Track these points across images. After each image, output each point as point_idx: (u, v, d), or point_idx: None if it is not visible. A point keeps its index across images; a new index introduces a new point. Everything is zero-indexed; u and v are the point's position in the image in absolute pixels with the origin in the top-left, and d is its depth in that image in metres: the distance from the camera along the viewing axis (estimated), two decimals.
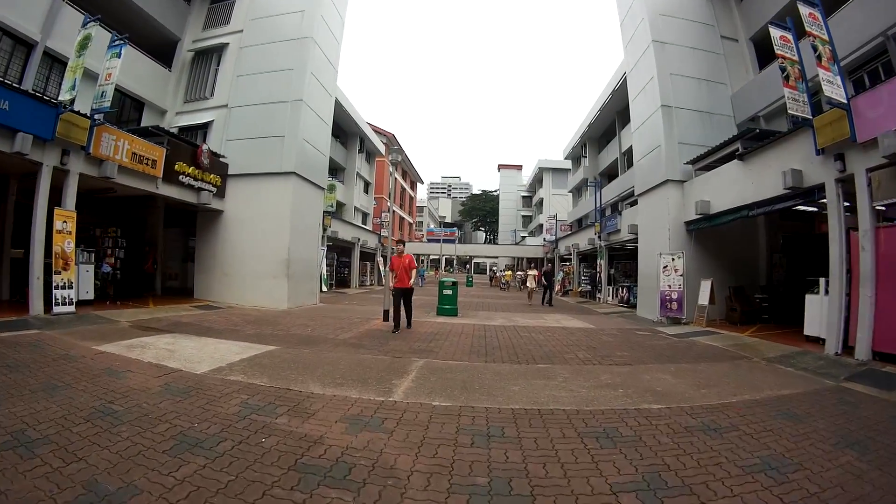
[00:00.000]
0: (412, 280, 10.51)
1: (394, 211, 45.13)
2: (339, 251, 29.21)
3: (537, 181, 57.01)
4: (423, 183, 60.75)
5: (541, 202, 54.19)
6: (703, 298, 13.03)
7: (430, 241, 54.70)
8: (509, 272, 38.12)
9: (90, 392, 4.82)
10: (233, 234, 15.78)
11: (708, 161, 13.90)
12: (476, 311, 16.20)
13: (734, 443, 4.06)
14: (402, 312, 10.40)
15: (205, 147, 14.72)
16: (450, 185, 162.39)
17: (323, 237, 23.95)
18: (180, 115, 17.65)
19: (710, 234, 14.03)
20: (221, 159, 15.92)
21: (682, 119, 15.03)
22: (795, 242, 14.85)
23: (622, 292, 20.62)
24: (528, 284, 22.07)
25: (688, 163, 14.60)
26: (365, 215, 36.49)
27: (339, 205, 31.07)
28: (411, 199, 56.87)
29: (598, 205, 24.51)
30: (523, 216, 66.45)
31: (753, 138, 12.27)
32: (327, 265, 26.17)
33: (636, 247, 21.32)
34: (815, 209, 11.91)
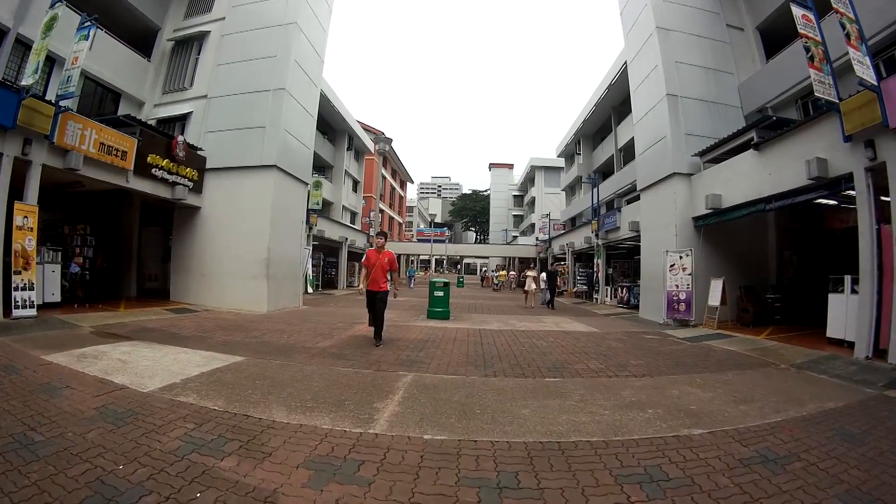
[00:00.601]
0: (395, 282, 8.94)
1: (383, 210, 44.23)
2: (326, 251, 28.35)
3: (529, 180, 56.19)
4: (412, 182, 59.79)
5: (533, 201, 53.30)
6: (714, 299, 12.19)
7: (420, 241, 53.54)
8: (503, 272, 36.88)
9: (16, 414, 3.95)
10: (210, 232, 14.79)
11: (718, 153, 13.08)
12: (469, 313, 15.27)
13: (802, 478, 3.27)
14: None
15: (180, 138, 13.72)
16: (440, 186, 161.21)
17: (308, 236, 22.98)
18: (159, 108, 16.75)
19: (718, 231, 13.24)
20: (199, 152, 14.95)
21: (688, 109, 14.21)
22: (806, 240, 14.11)
23: (622, 293, 19.77)
24: (527, 287, 19.37)
25: (696, 155, 13.78)
26: (353, 214, 35.57)
27: (327, 203, 30.29)
28: (401, 198, 55.88)
29: (595, 202, 23.65)
30: (514, 215, 65.54)
31: (769, 127, 11.48)
32: (313, 265, 25.29)
33: (636, 245, 20.50)
34: (835, 202, 11.05)
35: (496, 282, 35.18)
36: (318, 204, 23.54)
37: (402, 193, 57.32)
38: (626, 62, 18.59)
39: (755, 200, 11.12)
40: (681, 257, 12.76)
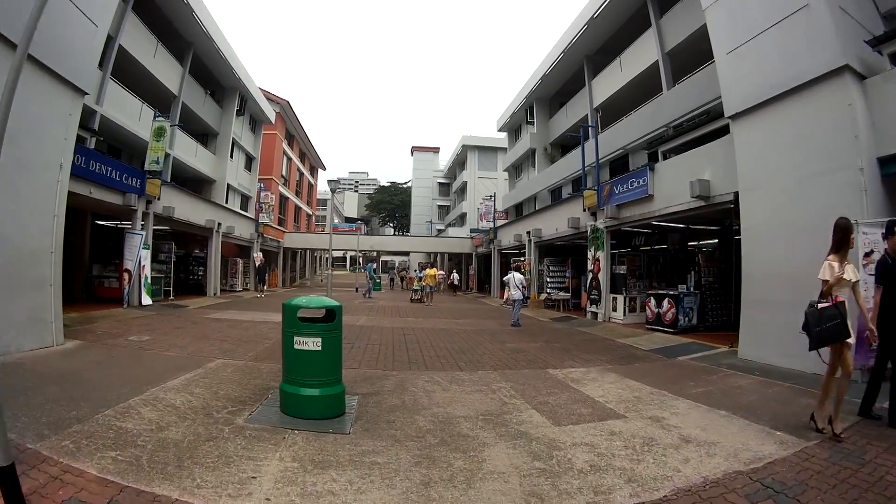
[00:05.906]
0: None
1: (287, 197, 35.37)
2: (188, 241, 20.59)
3: (459, 164, 48.82)
4: (325, 169, 50.31)
5: (464, 187, 45.85)
6: None
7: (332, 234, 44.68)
8: (433, 269, 25.79)
9: None
10: None
11: None
12: (399, 370, 7.41)
13: None
14: None
15: None
16: (357, 182, 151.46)
17: (145, 214, 14.33)
18: None
19: None
20: None
21: None
22: None
23: (654, 305, 11.86)
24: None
25: (873, 41, 6.76)
26: (246, 198, 27.12)
27: (206, 181, 23.03)
28: (311, 186, 46.56)
29: (596, 160, 15.83)
30: (440, 206, 57.93)
31: None
32: (160, 262, 17.25)
33: (673, 227, 13.63)
34: None
35: (424, 286, 22.77)
36: (157, 162, 14.63)
37: (313, 182, 48.10)
38: None
39: None
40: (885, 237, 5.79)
